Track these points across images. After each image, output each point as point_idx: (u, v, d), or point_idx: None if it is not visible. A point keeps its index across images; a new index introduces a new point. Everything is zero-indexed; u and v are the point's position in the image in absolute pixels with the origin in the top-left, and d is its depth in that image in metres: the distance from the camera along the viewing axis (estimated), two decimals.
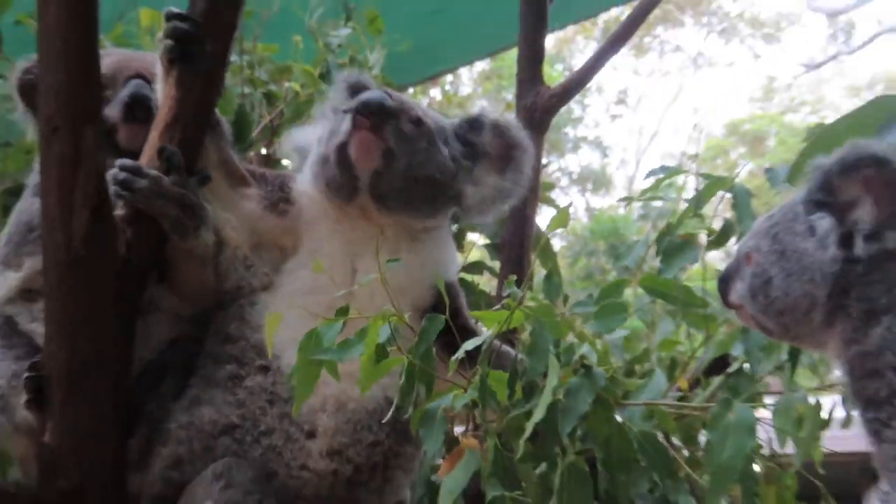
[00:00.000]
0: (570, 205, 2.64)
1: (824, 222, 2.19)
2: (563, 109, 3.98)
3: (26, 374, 2.82)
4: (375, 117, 2.85)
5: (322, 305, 2.66)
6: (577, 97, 19.17)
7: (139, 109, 3.01)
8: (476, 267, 4.00)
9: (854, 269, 2.15)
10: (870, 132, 2.43)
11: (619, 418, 2.47)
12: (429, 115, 3.02)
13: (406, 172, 2.90)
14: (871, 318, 2.11)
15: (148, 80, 3.04)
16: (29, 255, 2.97)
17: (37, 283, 2.93)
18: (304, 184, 3.05)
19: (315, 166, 3.00)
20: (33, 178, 3.09)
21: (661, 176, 2.98)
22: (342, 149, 2.88)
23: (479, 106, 3.24)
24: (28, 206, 3.05)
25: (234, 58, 3.84)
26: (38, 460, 2.86)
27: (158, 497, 2.88)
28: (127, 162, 2.81)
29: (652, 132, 21.36)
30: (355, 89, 3.10)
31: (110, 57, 3.01)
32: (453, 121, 3.15)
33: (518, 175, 3.10)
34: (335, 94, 3.17)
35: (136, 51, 3.37)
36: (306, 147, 3.15)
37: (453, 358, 2.44)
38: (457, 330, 2.52)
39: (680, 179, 3.05)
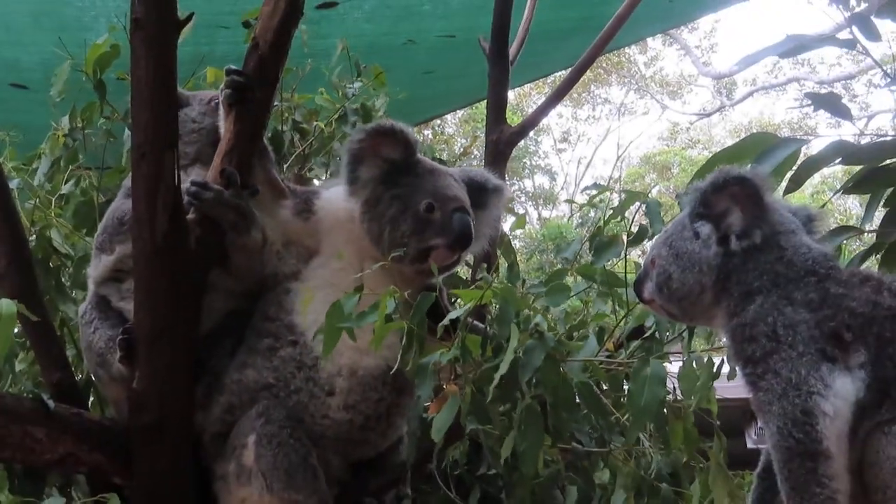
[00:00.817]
0: (525, 213, 2.64)
1: (705, 228, 2.21)
2: (521, 144, 3.99)
3: (120, 337, 2.83)
4: (465, 249, 2.85)
5: (340, 292, 2.61)
6: (532, 135, 19.26)
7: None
8: None
9: (732, 261, 2.18)
10: (747, 160, 2.43)
11: (564, 371, 2.45)
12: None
13: None
14: (748, 297, 2.12)
15: None
16: (120, 243, 2.95)
17: (125, 265, 2.94)
18: (340, 207, 2.94)
19: (383, 230, 2.84)
20: (125, 184, 3.09)
21: (594, 192, 2.97)
22: (424, 252, 2.81)
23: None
24: (120, 206, 3.04)
25: (276, 103, 3.83)
26: (128, 402, 2.85)
27: (217, 434, 2.90)
28: (197, 179, 2.82)
29: (587, 162, 21.41)
30: (408, 146, 2.89)
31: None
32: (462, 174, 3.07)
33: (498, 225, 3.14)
34: (385, 144, 2.88)
35: None
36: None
37: (441, 324, 2.44)
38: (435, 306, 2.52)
39: (607, 195, 3.06)
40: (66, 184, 3.58)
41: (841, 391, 1.95)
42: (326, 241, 2.96)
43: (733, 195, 2.17)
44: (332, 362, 2.76)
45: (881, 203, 2.54)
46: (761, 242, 2.16)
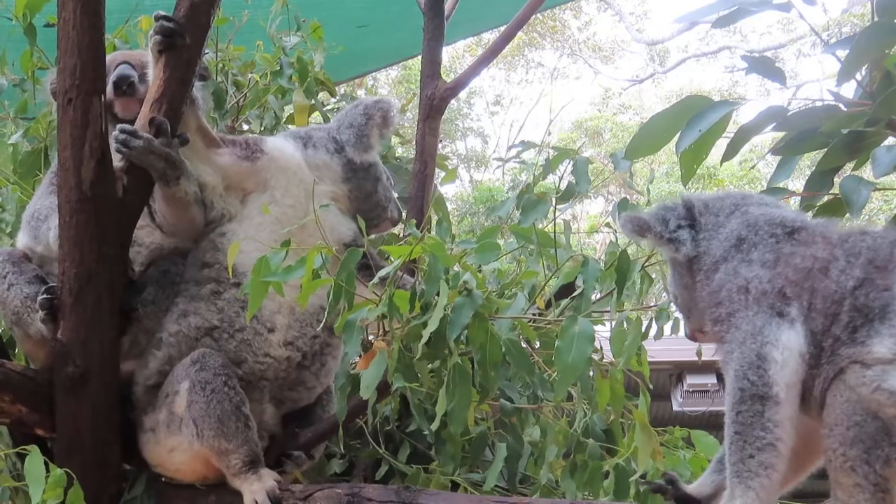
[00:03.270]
0: (456, 166, 2.64)
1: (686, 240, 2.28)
2: (453, 106, 4.00)
3: (43, 297, 2.79)
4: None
5: (277, 235, 2.69)
6: (465, 97, 19.26)
7: (123, 84, 2.99)
8: None
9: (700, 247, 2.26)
10: (682, 123, 2.45)
11: (492, 329, 2.45)
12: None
13: None
14: (714, 267, 2.20)
15: (133, 66, 3.02)
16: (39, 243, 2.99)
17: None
18: (292, 154, 3.06)
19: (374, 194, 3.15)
20: (46, 178, 3.10)
21: (523, 149, 2.97)
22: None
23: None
24: (41, 202, 3.05)
25: (211, 54, 3.80)
26: (52, 353, 2.81)
27: (151, 386, 2.90)
28: (126, 126, 2.78)
29: (519, 126, 21.41)
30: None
31: (108, 55, 2.92)
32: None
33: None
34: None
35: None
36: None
37: (371, 282, 2.47)
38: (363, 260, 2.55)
39: (535, 153, 3.07)
40: (7, 133, 3.56)
41: (787, 343, 2.02)
42: (273, 181, 2.99)
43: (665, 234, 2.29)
44: (272, 300, 2.79)
45: (796, 163, 2.60)
46: (711, 228, 2.26)
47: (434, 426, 2.56)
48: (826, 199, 2.53)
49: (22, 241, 3.06)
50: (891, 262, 2.01)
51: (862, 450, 1.92)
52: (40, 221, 2.97)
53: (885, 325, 1.95)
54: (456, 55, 18.31)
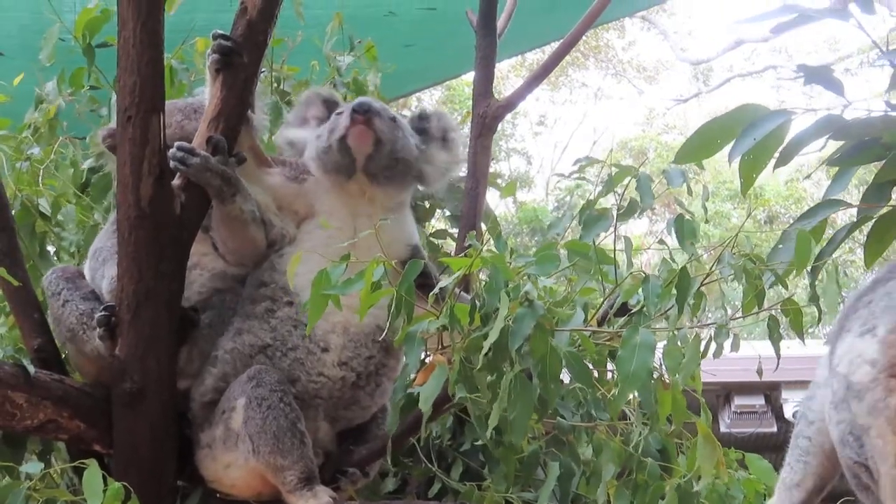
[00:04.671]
0: (514, 181, 2.64)
1: None
2: (498, 127, 3.99)
3: (101, 314, 2.81)
4: (368, 115, 2.90)
5: (331, 255, 2.66)
6: (509, 118, 19.23)
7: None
8: (440, 233, 4.03)
9: None
10: (736, 131, 2.42)
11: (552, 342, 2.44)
12: (399, 118, 3.08)
13: (390, 155, 2.96)
14: None
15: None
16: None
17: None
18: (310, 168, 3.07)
19: (318, 155, 3.01)
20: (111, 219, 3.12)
21: (584, 163, 2.96)
22: (342, 140, 2.92)
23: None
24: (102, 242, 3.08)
25: (266, 74, 3.84)
26: (111, 369, 2.83)
27: (208, 402, 2.92)
28: (184, 144, 2.80)
29: (563, 146, 21.39)
30: (328, 102, 3.18)
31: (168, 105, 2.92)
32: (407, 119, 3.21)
33: (456, 149, 3.20)
34: (311, 107, 3.21)
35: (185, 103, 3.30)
36: (299, 142, 3.16)
37: (432, 292, 2.47)
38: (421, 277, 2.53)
39: (594, 170, 3.06)
40: (66, 154, 3.59)
41: None
42: (319, 203, 3.02)
43: None
44: (327, 320, 2.80)
45: (852, 178, 2.56)
46: None
47: (489, 436, 2.55)
48: (884, 210, 2.50)
49: (85, 266, 3.11)
50: None
51: None
52: (98, 264, 3.01)
53: None
54: (501, 76, 18.33)
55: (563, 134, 21.66)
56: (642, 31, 21.30)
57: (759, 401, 7.49)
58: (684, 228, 2.62)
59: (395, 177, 3.01)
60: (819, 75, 2.49)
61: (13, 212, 3.18)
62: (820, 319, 2.44)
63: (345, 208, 3.00)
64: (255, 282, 2.99)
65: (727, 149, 2.42)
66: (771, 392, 7.54)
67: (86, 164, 3.53)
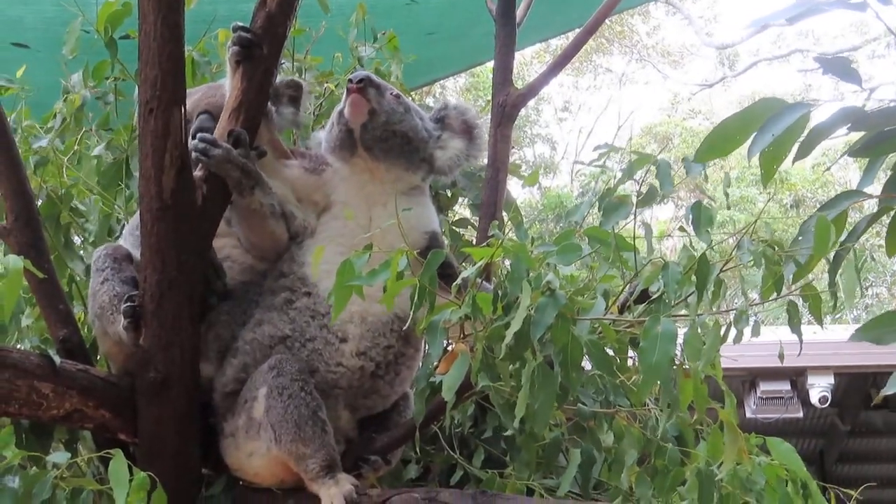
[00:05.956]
0: (537, 169, 2.65)
1: None
2: (522, 113, 4.00)
3: (126, 304, 2.83)
4: (362, 83, 2.94)
5: (350, 245, 2.73)
6: (533, 104, 19.21)
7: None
8: (462, 222, 4.03)
9: None
10: (755, 126, 2.41)
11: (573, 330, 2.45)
12: (407, 99, 3.12)
13: (385, 126, 2.99)
14: None
15: (214, 116, 3.01)
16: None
17: None
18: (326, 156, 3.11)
19: (326, 137, 3.09)
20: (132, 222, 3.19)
21: (605, 150, 2.96)
22: (340, 113, 3.00)
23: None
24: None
25: (288, 65, 3.87)
26: (135, 358, 2.86)
27: (230, 392, 2.95)
28: (206, 136, 2.82)
29: (588, 132, 21.34)
30: None
31: (189, 97, 2.96)
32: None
33: (479, 143, 3.20)
34: None
35: (211, 84, 3.36)
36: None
37: (455, 282, 2.48)
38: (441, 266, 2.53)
39: (616, 157, 3.05)
40: (91, 145, 3.62)
41: None
42: (335, 192, 3.04)
43: None
44: (345, 310, 2.75)
45: (882, 166, 2.53)
46: None
47: (514, 425, 2.56)
48: None
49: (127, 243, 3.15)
50: None
51: None
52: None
53: None
54: (524, 62, 18.33)
55: (587, 120, 21.64)
56: (667, 15, 21.25)
57: (784, 386, 7.48)
58: (702, 215, 2.62)
59: (392, 150, 3.02)
60: (837, 66, 2.48)
61: (38, 203, 3.21)
62: (835, 306, 2.43)
63: (359, 196, 3.02)
64: (276, 273, 3.01)
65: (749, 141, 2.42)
66: (797, 378, 7.54)
67: (96, 151, 3.55)
